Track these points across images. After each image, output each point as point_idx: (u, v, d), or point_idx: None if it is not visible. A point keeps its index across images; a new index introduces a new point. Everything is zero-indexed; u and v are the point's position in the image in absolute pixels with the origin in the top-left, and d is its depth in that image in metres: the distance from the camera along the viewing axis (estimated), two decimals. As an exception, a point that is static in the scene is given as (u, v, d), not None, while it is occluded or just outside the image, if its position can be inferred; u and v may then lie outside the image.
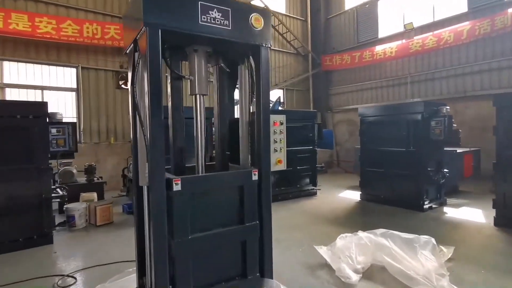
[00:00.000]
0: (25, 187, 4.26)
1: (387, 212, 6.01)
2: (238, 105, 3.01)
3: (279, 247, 4.11)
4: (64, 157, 4.81)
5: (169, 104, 2.74)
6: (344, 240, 3.77)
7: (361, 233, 3.82)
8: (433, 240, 3.50)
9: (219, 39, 2.42)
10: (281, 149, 2.94)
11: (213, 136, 3.31)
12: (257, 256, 2.69)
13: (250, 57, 2.92)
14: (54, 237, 4.74)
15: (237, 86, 3.14)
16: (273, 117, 2.90)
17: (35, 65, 8.10)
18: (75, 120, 8.60)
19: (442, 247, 3.76)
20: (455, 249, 3.78)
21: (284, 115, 2.99)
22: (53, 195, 4.63)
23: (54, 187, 4.94)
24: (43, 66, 8.22)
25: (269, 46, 2.73)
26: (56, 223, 5.28)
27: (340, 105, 13.58)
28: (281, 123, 2.96)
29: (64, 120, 6.10)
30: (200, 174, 2.66)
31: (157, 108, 2.20)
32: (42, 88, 8.21)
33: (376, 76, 12.19)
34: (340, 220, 5.56)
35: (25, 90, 7.95)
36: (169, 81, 2.77)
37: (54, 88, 8.39)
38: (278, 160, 2.92)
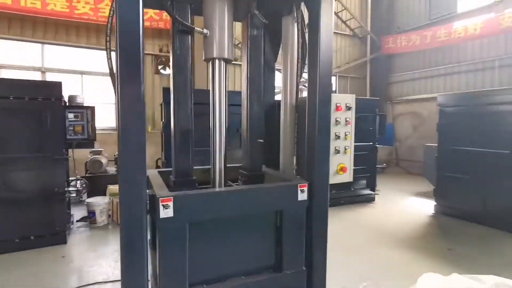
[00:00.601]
0: (35, 179, 3.75)
1: (478, 234, 4.50)
2: (281, 80, 1.97)
3: (330, 282, 3.00)
4: (81, 146, 4.24)
5: (171, 64, 1.80)
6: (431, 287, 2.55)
7: (457, 278, 2.57)
8: None
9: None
10: (346, 149, 1.84)
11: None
12: (302, 322, 1.67)
13: (302, 2, 1.86)
14: (71, 235, 4.27)
15: (277, 66, 2.08)
16: (335, 98, 1.81)
17: (75, 48, 7.88)
18: (113, 105, 8.31)
19: None
20: None
21: (354, 95, 1.87)
22: (69, 189, 4.09)
23: (73, 179, 4.42)
24: (83, 49, 7.97)
25: (334, -23, 1.63)
26: (79, 218, 4.86)
27: (402, 95, 11.67)
28: (348, 108, 1.84)
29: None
30: (210, 190, 1.66)
31: (133, 71, 1.26)
32: (82, 72, 7.99)
33: (451, 60, 10.09)
34: (412, 242, 4.22)
35: (65, 74, 7.77)
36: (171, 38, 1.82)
37: (93, 73, 8.13)
38: (340, 167, 1.82)
